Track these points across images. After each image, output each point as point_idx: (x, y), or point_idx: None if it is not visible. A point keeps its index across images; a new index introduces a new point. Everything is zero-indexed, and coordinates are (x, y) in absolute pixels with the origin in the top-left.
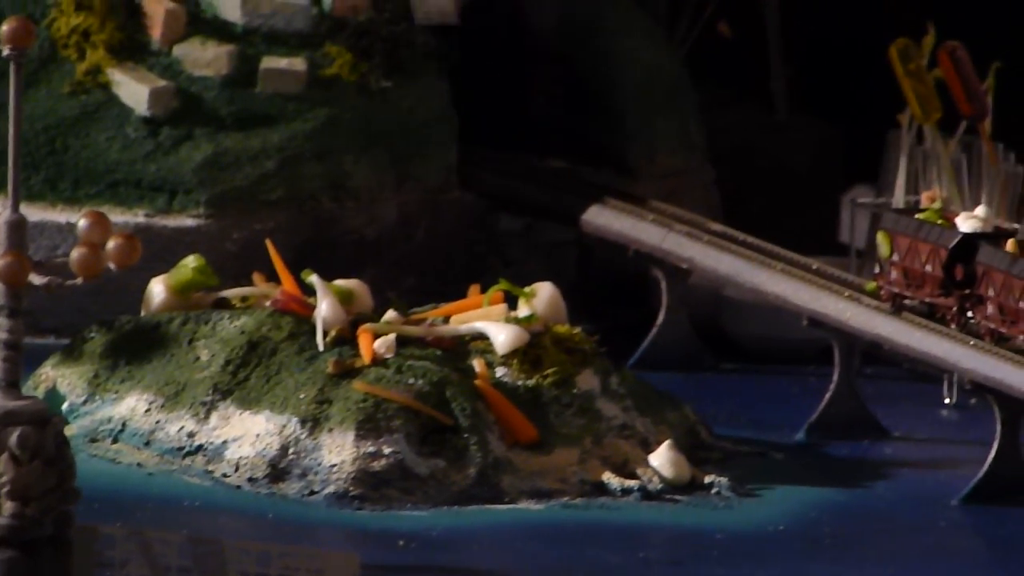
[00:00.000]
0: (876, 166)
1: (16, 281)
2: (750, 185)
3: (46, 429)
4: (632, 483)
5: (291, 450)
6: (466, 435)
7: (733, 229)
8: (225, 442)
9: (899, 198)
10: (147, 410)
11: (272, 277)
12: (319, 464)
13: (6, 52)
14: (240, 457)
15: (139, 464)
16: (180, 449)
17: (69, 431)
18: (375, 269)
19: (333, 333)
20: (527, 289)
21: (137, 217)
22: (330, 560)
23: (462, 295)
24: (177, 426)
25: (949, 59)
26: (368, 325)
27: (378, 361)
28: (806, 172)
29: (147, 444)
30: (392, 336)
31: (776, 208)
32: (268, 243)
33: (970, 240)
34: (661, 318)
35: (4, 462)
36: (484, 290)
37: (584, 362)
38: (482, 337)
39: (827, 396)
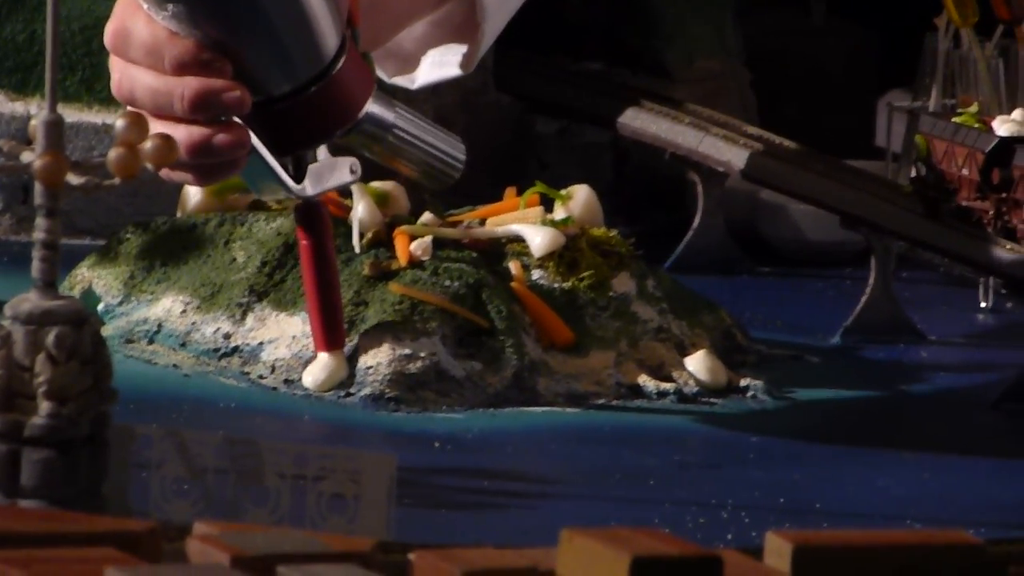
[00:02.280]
0: (913, 71)
1: (54, 181)
2: (786, 89)
3: (83, 329)
4: (668, 386)
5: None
6: (502, 337)
7: (770, 133)
8: (261, 343)
9: (935, 101)
10: (183, 311)
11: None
12: (355, 365)
13: None
14: (276, 359)
15: (175, 365)
16: (216, 350)
17: (106, 331)
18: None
19: (369, 235)
20: (563, 191)
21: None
22: (367, 460)
23: (499, 197)
24: (213, 327)
25: None
26: (404, 227)
27: (414, 263)
28: (842, 75)
29: (183, 345)
30: (428, 238)
31: (812, 111)
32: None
33: (1007, 144)
34: (697, 221)
35: (41, 362)
36: (520, 192)
37: (620, 265)
38: (518, 239)
39: (863, 299)
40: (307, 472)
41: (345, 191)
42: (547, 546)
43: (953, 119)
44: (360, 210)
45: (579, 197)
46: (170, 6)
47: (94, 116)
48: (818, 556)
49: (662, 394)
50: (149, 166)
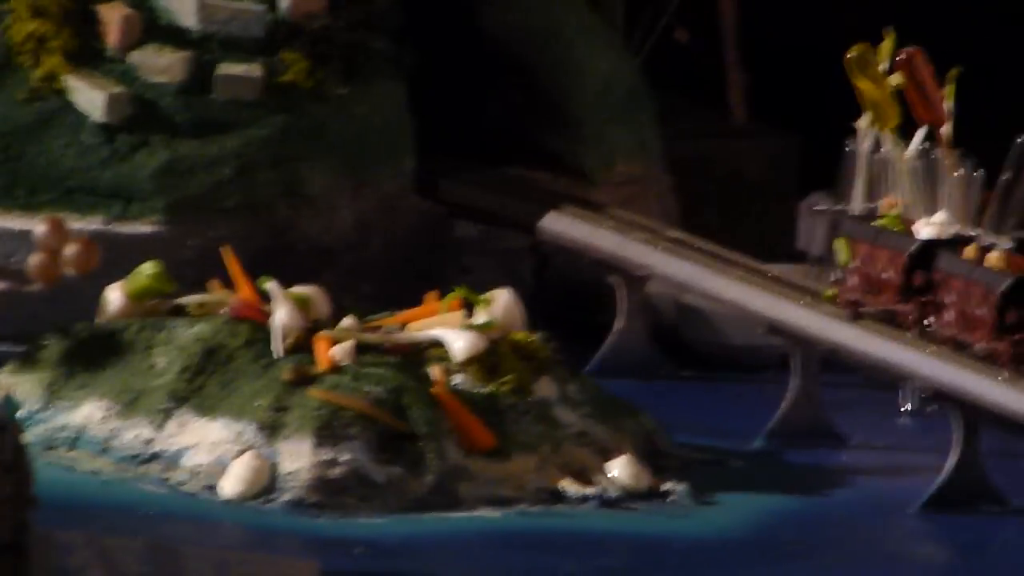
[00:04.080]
0: (834, 173)
1: None
2: (707, 192)
3: (3, 436)
4: (590, 491)
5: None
6: (423, 442)
7: (692, 236)
8: (182, 449)
9: (857, 204)
10: (103, 417)
11: (229, 284)
12: (276, 471)
13: None
14: (197, 464)
15: (96, 471)
16: (137, 456)
17: (26, 438)
18: (332, 276)
19: (290, 340)
20: (484, 296)
21: (93, 224)
22: (289, 567)
23: (419, 302)
24: (133, 433)
25: (907, 65)
26: (325, 332)
27: (335, 368)
28: (763, 179)
29: (104, 451)
30: (349, 343)
31: (733, 215)
32: (224, 250)
33: (930, 246)
34: (619, 325)
35: None
36: (441, 297)
37: (541, 369)
38: (439, 344)
39: (785, 403)
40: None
41: (266, 296)
42: None
43: (875, 222)
44: (281, 315)
45: (500, 301)
46: None
47: (13, 221)
48: None
49: (584, 498)
50: (70, 272)
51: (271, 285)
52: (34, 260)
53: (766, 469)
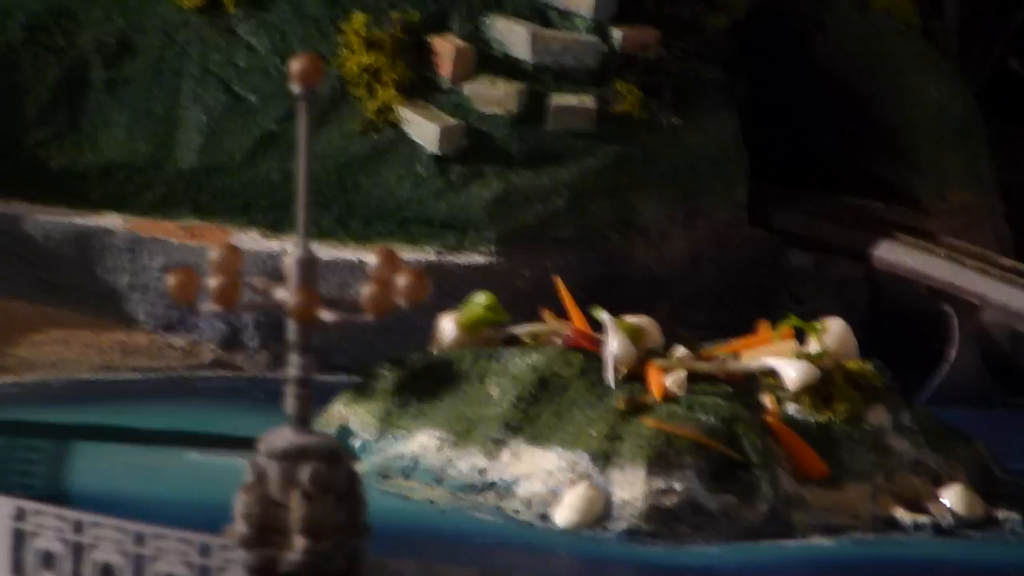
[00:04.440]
0: None
1: (307, 318)
2: None
3: (337, 465)
4: (924, 519)
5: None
6: (757, 471)
7: None
8: (516, 478)
9: None
10: (438, 447)
11: (561, 314)
12: (610, 500)
13: (297, 91)
14: (531, 493)
15: (430, 500)
16: (471, 485)
17: (361, 467)
18: (664, 305)
19: (623, 370)
20: (817, 324)
21: (427, 255)
22: None
23: (751, 331)
24: (468, 463)
25: None
26: (658, 361)
27: (669, 397)
28: None
29: (438, 481)
30: (683, 372)
31: None
32: (557, 280)
33: None
34: (952, 353)
35: (296, 498)
36: (773, 326)
37: (875, 398)
38: (772, 373)
39: None
40: None
41: (598, 326)
42: None
43: None
44: (614, 345)
45: (834, 330)
46: None
47: (349, 253)
48: None
49: (918, 527)
50: (402, 303)
51: (604, 315)
52: (367, 291)
53: None
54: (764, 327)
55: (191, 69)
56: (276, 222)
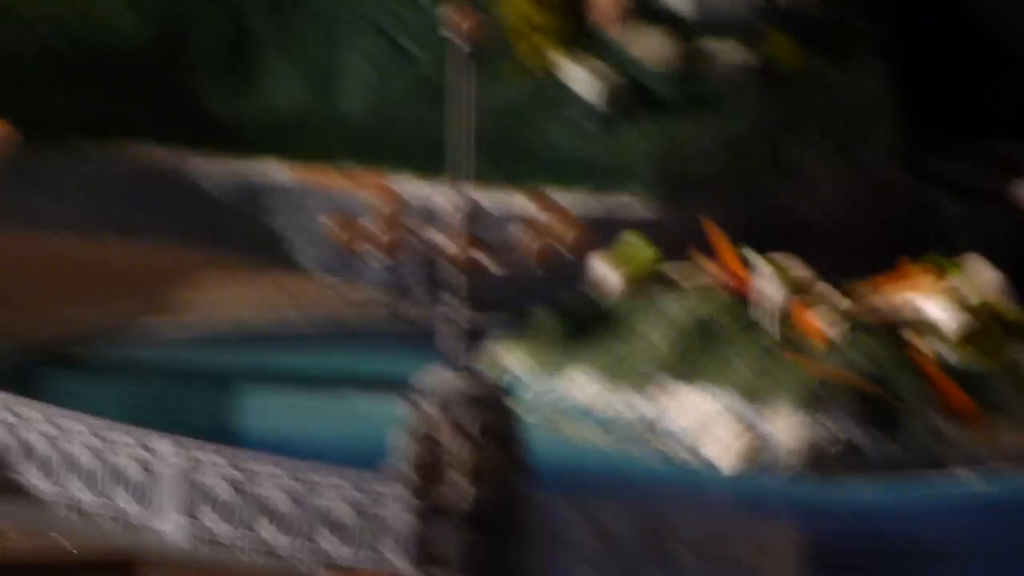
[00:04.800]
0: None
1: (470, 265)
2: None
3: (500, 408)
4: None
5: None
6: (909, 411)
7: None
8: (673, 420)
9: None
10: (598, 390)
11: (712, 254)
12: (765, 440)
13: (456, 41)
14: (687, 434)
15: (588, 441)
16: (628, 426)
17: (521, 409)
18: (817, 249)
19: (778, 313)
20: (956, 262)
21: (588, 202)
22: (773, 531)
23: (896, 268)
24: (625, 404)
25: None
26: (811, 302)
27: (824, 339)
28: None
29: (596, 421)
30: (837, 315)
31: None
32: (709, 224)
33: None
34: None
35: (458, 439)
36: (911, 265)
37: (1022, 337)
38: (924, 316)
39: None
40: (715, 543)
41: (747, 264)
42: None
43: None
44: (768, 288)
45: (982, 272)
46: None
47: (510, 200)
48: None
49: None
50: (563, 251)
51: (756, 257)
52: (534, 244)
53: None
54: (907, 265)
55: (354, 21)
56: (435, 167)
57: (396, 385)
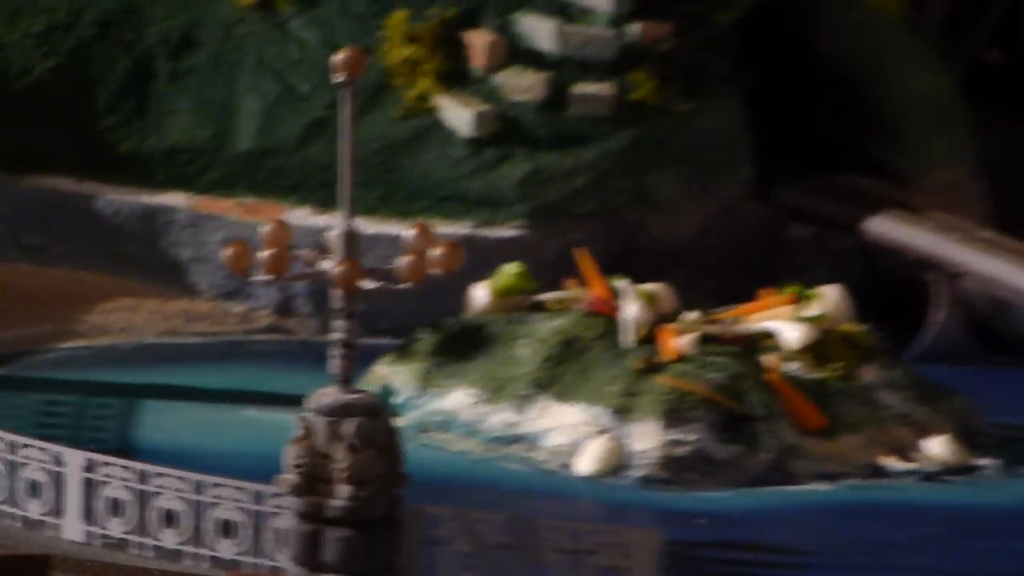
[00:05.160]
0: None
1: (350, 286)
2: (1019, 196)
3: (378, 420)
4: (911, 466)
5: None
6: (760, 424)
7: (1004, 236)
8: (542, 431)
9: None
10: (472, 403)
11: (584, 283)
12: (627, 451)
13: (340, 80)
14: (556, 445)
15: (464, 452)
16: (501, 438)
17: (402, 422)
18: (677, 274)
19: (640, 332)
20: (815, 291)
21: (462, 229)
22: (635, 536)
23: (755, 297)
24: (499, 417)
25: None
26: (671, 325)
27: (680, 357)
28: None
29: (471, 434)
30: (693, 334)
31: None
32: (579, 251)
33: None
34: (937, 317)
35: (340, 450)
36: (777, 292)
37: (867, 357)
38: (774, 335)
39: None
40: (580, 547)
41: (615, 291)
42: None
43: None
44: (631, 310)
45: (830, 296)
46: None
47: (390, 228)
48: None
49: (906, 473)
50: (436, 272)
51: (622, 283)
52: (404, 261)
53: None
54: (767, 293)
55: (247, 61)
56: (324, 200)
57: (287, 400)
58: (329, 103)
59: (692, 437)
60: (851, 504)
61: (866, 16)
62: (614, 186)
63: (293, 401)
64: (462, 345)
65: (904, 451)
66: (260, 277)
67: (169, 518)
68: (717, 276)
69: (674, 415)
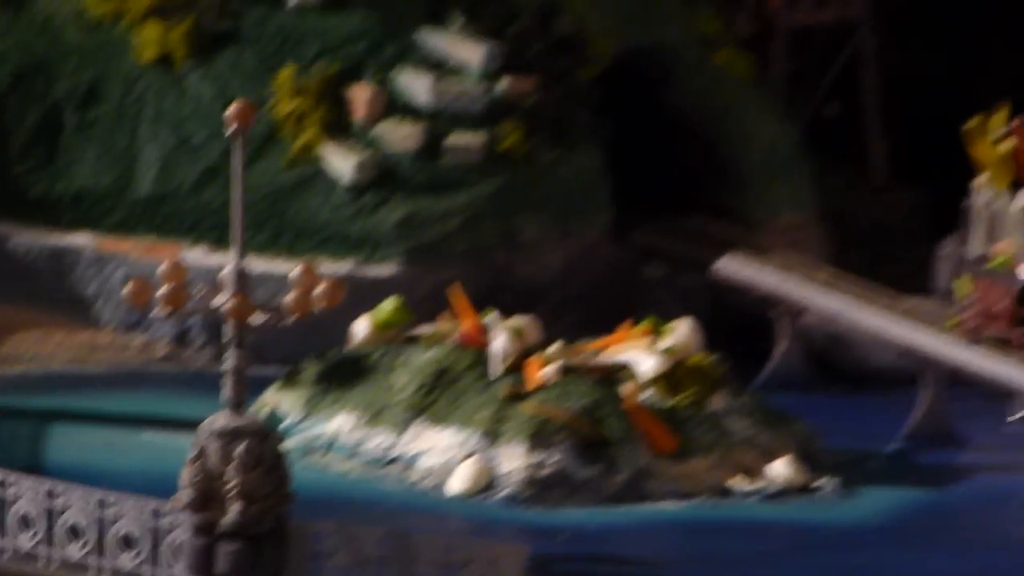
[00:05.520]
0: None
1: (240, 319)
2: (854, 238)
3: (267, 442)
4: (755, 486)
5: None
6: (617, 447)
7: (840, 275)
8: (417, 454)
9: (976, 249)
10: (352, 427)
11: (456, 317)
12: (495, 471)
13: (232, 130)
14: (429, 466)
15: (345, 473)
16: (380, 460)
17: (288, 445)
18: (542, 309)
19: (507, 363)
20: (668, 325)
21: (344, 267)
22: (502, 551)
23: (614, 330)
24: (377, 441)
25: (1019, 132)
26: (536, 356)
27: (544, 386)
28: (901, 227)
29: (352, 456)
30: (556, 365)
31: (875, 257)
32: (452, 288)
33: None
34: (780, 349)
35: (232, 469)
36: (633, 326)
37: (716, 386)
38: (630, 366)
39: (916, 412)
40: (452, 561)
41: (484, 325)
42: None
43: (990, 263)
44: (499, 342)
45: (681, 329)
46: None
47: (277, 266)
48: None
49: (751, 493)
50: (320, 307)
51: (491, 317)
52: (290, 297)
53: (901, 467)
54: (624, 327)
55: (147, 113)
56: (218, 240)
57: (183, 424)
58: (222, 152)
59: (554, 459)
60: (700, 521)
61: (716, 73)
62: (484, 228)
63: (189, 425)
64: (344, 374)
65: (749, 472)
66: (158, 311)
67: (74, 532)
68: (578, 311)
69: (538, 439)
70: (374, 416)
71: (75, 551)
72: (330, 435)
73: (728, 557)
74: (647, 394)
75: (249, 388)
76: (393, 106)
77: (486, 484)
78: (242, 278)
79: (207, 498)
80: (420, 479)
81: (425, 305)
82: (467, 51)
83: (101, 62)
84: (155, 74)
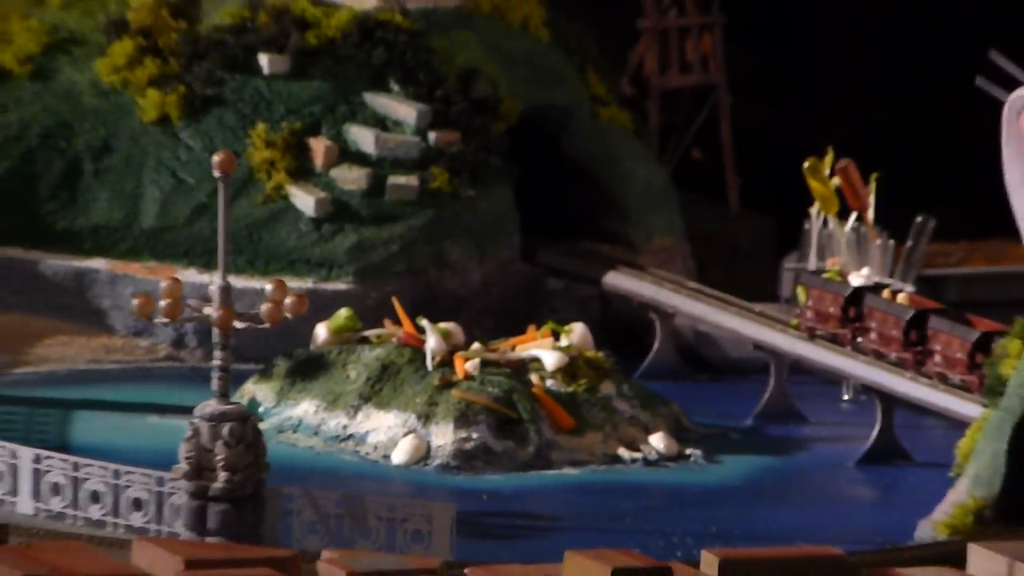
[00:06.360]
0: (798, 243)
1: (225, 326)
2: (715, 256)
3: (247, 424)
4: (638, 455)
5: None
6: (527, 425)
7: (704, 286)
8: (367, 432)
9: (812, 263)
10: (315, 411)
11: (397, 322)
12: (430, 445)
13: (218, 175)
14: (377, 441)
15: (310, 447)
16: (337, 437)
17: (263, 425)
18: (466, 316)
19: (438, 359)
20: (567, 327)
21: (307, 283)
22: (436, 508)
23: (523, 332)
24: (335, 421)
25: (843, 171)
26: (461, 353)
27: (468, 377)
28: (752, 248)
29: (315, 434)
30: (478, 360)
31: (732, 271)
32: (394, 300)
33: (859, 291)
34: (656, 345)
35: (219, 446)
36: (538, 328)
37: (605, 376)
38: (537, 360)
39: (766, 395)
40: (395, 516)
41: (422, 330)
42: (557, 563)
43: (824, 274)
44: (431, 342)
45: (578, 331)
46: None
47: (255, 283)
48: (737, 566)
49: (634, 460)
50: (289, 315)
51: (425, 322)
52: (264, 307)
53: (754, 439)
54: (531, 330)
55: (150, 161)
56: (207, 263)
57: (181, 410)
58: (210, 192)
59: (477, 435)
60: (593, 484)
61: (603, 126)
62: (418, 252)
63: (185, 411)
64: (308, 369)
65: (632, 444)
66: (160, 320)
67: (95, 497)
68: (495, 317)
69: (463, 419)
70: (332, 402)
71: (95, 512)
72: (297, 417)
73: (616, 513)
74: (551, 382)
75: (232, 381)
76: (345, 155)
77: (422, 456)
78: (226, 293)
79: (200, 469)
80: (369, 452)
81: (372, 314)
82: (404, 110)
83: (112, 122)
84: (156, 131)
